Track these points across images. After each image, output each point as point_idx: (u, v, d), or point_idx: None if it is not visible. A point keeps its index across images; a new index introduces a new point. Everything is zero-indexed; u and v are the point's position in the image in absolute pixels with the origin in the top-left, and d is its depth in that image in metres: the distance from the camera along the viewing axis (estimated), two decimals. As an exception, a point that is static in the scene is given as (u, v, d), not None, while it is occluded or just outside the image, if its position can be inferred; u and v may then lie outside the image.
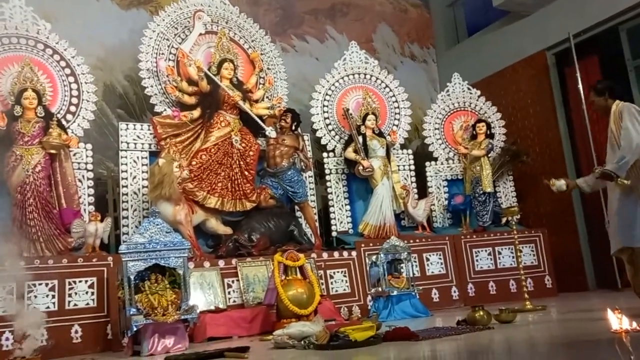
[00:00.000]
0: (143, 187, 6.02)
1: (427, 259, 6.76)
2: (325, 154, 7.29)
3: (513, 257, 6.91)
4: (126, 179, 6.02)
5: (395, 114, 7.79)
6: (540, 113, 8.03)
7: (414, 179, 7.69)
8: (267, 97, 6.94)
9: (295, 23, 8.55)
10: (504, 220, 7.24)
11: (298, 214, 6.72)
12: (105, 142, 6.64)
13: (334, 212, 7.11)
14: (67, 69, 5.95)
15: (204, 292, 5.29)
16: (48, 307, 4.73)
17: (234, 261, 5.61)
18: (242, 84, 6.67)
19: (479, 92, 8.17)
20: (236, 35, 7.01)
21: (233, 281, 5.51)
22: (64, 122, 5.74)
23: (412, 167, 7.73)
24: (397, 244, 5.88)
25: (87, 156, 5.90)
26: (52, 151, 5.40)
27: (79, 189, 5.66)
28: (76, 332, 4.83)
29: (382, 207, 6.86)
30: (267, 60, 7.16)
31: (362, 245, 6.45)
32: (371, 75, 7.75)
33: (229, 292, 5.45)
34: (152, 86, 6.40)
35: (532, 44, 8.05)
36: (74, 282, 4.95)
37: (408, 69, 9.40)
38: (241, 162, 6.33)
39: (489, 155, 7.54)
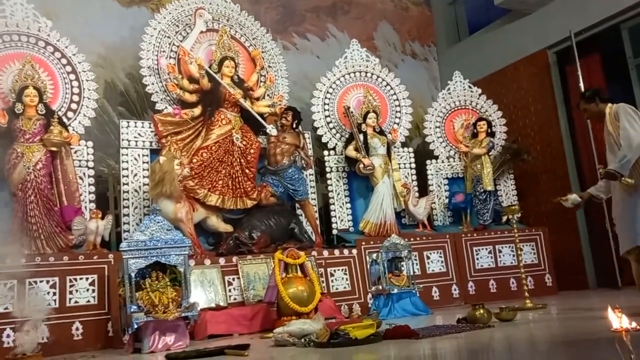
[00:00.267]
0: (144, 184, 6.03)
1: (428, 257, 6.76)
2: (326, 152, 7.29)
3: (513, 256, 6.91)
4: (127, 176, 6.02)
5: (396, 112, 7.78)
6: (541, 111, 8.03)
7: (414, 177, 7.69)
8: (268, 95, 6.94)
9: (296, 21, 8.55)
10: (504, 218, 7.24)
11: (299, 211, 6.72)
12: (106, 139, 6.64)
13: (334, 210, 7.11)
14: (68, 66, 5.95)
15: (204, 290, 5.29)
16: (49, 304, 4.73)
17: (234, 259, 5.62)
18: (243, 81, 6.67)
19: (480, 91, 8.17)
20: (237, 33, 7.01)
21: (234, 279, 5.52)
22: (65, 120, 5.74)
23: (413, 165, 7.73)
24: (398, 242, 5.88)
25: (88, 154, 5.90)
26: (53, 149, 5.41)
27: (79, 186, 5.67)
28: (77, 329, 4.84)
29: (382, 205, 6.86)
30: (268, 58, 7.15)
31: (363, 243, 6.45)
32: (372, 74, 7.75)
33: (229, 290, 5.46)
34: (153, 84, 6.40)
35: (533, 42, 8.04)
36: (75, 279, 4.96)
37: (409, 67, 9.39)
38: (242, 160, 6.33)
39: (490, 153, 7.53)
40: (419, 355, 3.09)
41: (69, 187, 5.51)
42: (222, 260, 5.57)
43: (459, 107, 8.11)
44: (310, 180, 6.93)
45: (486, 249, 7.06)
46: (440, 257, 6.83)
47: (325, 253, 6.19)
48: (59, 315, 4.75)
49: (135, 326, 4.13)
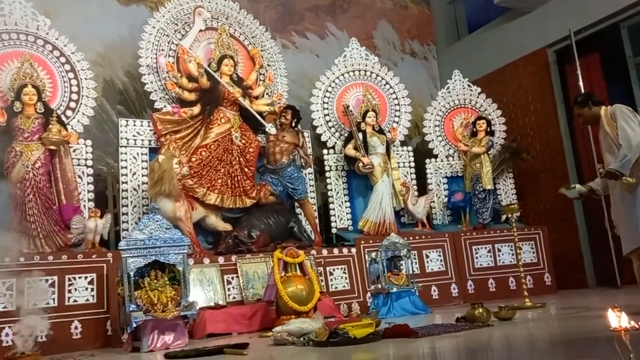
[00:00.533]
0: (143, 183, 6.02)
1: (427, 256, 6.76)
2: (325, 151, 7.29)
3: (513, 255, 6.90)
4: (126, 175, 6.01)
5: (396, 111, 7.78)
6: (541, 110, 8.03)
7: (413, 176, 7.69)
8: (267, 94, 6.94)
9: (295, 19, 8.54)
10: (503, 217, 7.23)
11: (298, 210, 6.72)
12: (105, 138, 6.63)
13: (333, 209, 7.11)
14: (66, 64, 5.94)
15: (203, 289, 5.29)
16: (48, 303, 4.73)
17: (233, 258, 5.61)
18: (242, 80, 6.66)
19: (479, 89, 8.16)
20: (236, 32, 7.00)
21: (233, 278, 5.51)
22: (63, 118, 5.74)
23: (412, 164, 7.72)
24: (397, 240, 5.88)
25: (86, 152, 5.90)
26: (52, 147, 5.40)
27: (78, 185, 5.66)
28: (76, 328, 4.83)
29: (382, 204, 6.86)
30: (267, 57, 7.15)
31: (362, 242, 6.45)
32: (371, 72, 7.74)
33: (228, 289, 5.46)
34: (152, 82, 6.39)
35: (532, 41, 8.04)
36: (74, 278, 4.96)
37: (408, 65, 9.38)
38: (241, 159, 6.33)
39: (489, 152, 7.53)
40: (417, 354, 3.09)
41: (68, 185, 5.51)
42: (221, 259, 5.57)
43: (459, 106, 8.11)
44: (310, 179, 6.93)
45: (485, 247, 7.06)
46: (440, 256, 6.83)
47: (325, 252, 6.18)
48: (58, 314, 4.75)
49: (134, 325, 4.13)
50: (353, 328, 3.61)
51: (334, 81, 7.53)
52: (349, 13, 9.06)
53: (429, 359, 2.98)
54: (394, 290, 5.65)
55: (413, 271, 5.96)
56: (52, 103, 5.72)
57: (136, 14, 7.16)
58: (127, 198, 5.96)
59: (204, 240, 6.13)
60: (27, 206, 5.13)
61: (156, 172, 5.49)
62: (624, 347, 1.81)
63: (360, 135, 7.01)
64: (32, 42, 5.77)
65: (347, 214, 7.17)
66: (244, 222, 6.11)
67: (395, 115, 7.76)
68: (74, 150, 5.74)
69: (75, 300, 4.92)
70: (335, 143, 7.33)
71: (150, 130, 6.18)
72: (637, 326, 1.87)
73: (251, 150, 6.44)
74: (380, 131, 7.20)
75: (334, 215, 7.10)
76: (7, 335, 4.45)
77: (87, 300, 4.97)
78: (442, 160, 7.87)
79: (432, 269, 6.74)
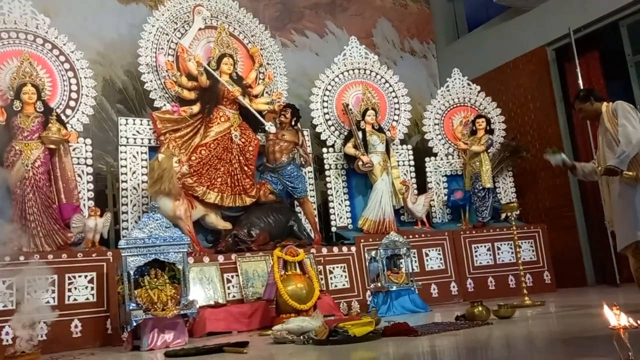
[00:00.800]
0: (142, 182, 6.02)
1: (427, 255, 6.77)
2: (324, 149, 7.29)
3: (512, 253, 6.91)
4: (126, 174, 6.01)
5: (395, 109, 7.78)
6: (540, 109, 8.02)
7: (413, 174, 7.69)
8: (266, 92, 6.94)
9: (295, 18, 8.53)
10: (503, 215, 7.24)
11: (297, 209, 6.72)
12: (105, 137, 6.63)
13: (333, 208, 7.11)
14: (66, 63, 5.94)
15: (203, 287, 5.29)
16: (48, 302, 4.73)
17: (233, 256, 5.62)
18: (242, 79, 6.66)
19: (478, 88, 8.16)
20: (236, 30, 7.00)
21: (232, 276, 5.52)
22: (63, 117, 5.73)
23: (412, 163, 7.72)
24: (397, 239, 5.89)
25: (86, 151, 5.90)
26: (52, 146, 5.40)
27: (78, 184, 5.66)
28: (76, 326, 4.84)
29: (381, 202, 6.86)
30: (267, 55, 7.14)
31: (362, 240, 6.45)
32: (371, 71, 7.74)
33: (228, 287, 5.46)
34: (151, 81, 6.39)
35: (532, 39, 8.03)
36: (74, 277, 4.97)
37: (408, 64, 9.38)
38: (241, 158, 6.33)
39: (489, 150, 7.54)
40: (417, 352, 3.09)
41: (68, 184, 5.51)
42: (221, 258, 5.57)
43: (458, 105, 8.10)
44: (309, 178, 6.93)
45: (485, 246, 7.07)
46: (439, 254, 6.84)
47: (324, 250, 6.19)
48: (58, 312, 4.74)
49: (134, 324, 4.14)
50: (353, 326, 3.62)
51: (333, 80, 7.53)
52: (348, 11, 9.05)
53: (429, 357, 2.98)
54: (394, 288, 5.66)
55: (413, 269, 5.97)
56: (51, 102, 5.71)
57: (135, 12, 7.16)
58: (126, 197, 5.96)
59: (203, 238, 6.14)
60: (27, 205, 5.13)
61: (156, 170, 5.50)
62: (623, 346, 1.82)
63: (360, 133, 7.01)
64: (32, 41, 5.76)
65: (346, 212, 7.17)
66: (244, 221, 6.11)
67: (394, 114, 7.76)
68: (73, 149, 5.75)
69: (75, 299, 4.93)
70: (335, 141, 7.33)
71: (150, 129, 6.18)
72: (636, 324, 1.87)
73: (251, 148, 6.44)
74: (380, 130, 7.21)
75: (334, 213, 7.10)
76: (7, 334, 4.45)
77: (87, 299, 4.97)
78: (441, 159, 7.87)
79: (431, 268, 6.75)
